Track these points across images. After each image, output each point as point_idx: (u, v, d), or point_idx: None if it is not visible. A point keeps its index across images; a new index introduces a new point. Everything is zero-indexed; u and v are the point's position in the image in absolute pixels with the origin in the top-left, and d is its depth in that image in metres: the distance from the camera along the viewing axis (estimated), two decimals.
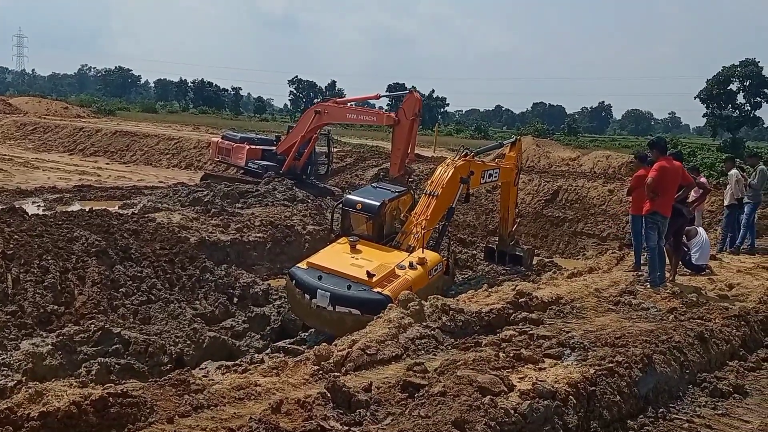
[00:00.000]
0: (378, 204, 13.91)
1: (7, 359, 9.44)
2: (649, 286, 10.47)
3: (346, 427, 4.57)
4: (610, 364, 6.06)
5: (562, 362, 6.27)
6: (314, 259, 13.00)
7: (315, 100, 35.55)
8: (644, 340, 7.09)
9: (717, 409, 6.28)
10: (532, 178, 28.30)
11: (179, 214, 19.15)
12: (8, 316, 10.79)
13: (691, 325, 8.09)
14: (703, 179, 15.27)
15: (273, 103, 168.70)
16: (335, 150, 34.09)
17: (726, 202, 15.41)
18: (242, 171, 29.39)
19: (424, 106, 29.71)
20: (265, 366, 6.62)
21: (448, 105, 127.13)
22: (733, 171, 15.16)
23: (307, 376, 6.07)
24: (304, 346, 11.37)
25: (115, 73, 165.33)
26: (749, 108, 65.76)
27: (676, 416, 6.03)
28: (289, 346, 11.86)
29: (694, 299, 9.67)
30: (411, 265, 12.52)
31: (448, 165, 15.05)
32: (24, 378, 8.76)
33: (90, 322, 11.00)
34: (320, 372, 6.15)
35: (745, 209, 14.73)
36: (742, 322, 8.65)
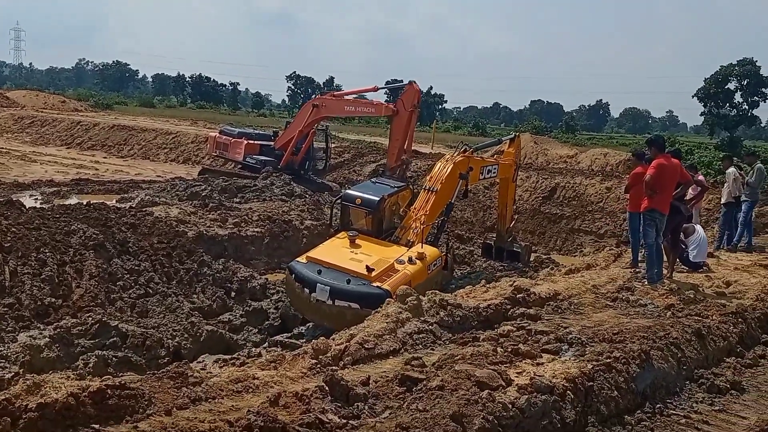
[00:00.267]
0: (377, 199, 13.92)
1: (5, 351, 9.42)
2: (646, 282, 10.49)
3: (344, 420, 4.57)
4: (608, 360, 6.07)
5: (560, 357, 6.28)
6: (314, 253, 13.01)
7: (313, 96, 35.61)
8: (642, 336, 7.10)
9: (714, 406, 6.29)
10: (529, 175, 28.30)
11: (177, 208, 19.13)
12: (5, 309, 10.78)
13: (689, 321, 8.10)
14: (700, 177, 15.29)
15: (271, 98, 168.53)
16: (333, 146, 34.04)
17: (723, 200, 15.44)
18: (240, 166, 29.34)
19: (422, 103, 29.73)
20: (263, 359, 6.63)
21: (446, 102, 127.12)
22: (731, 169, 15.18)
23: (305, 369, 6.07)
24: (301, 340, 11.40)
25: (113, 68, 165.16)
26: (747, 107, 65.86)
27: (674, 412, 6.04)
28: (286, 340, 11.90)
29: (692, 296, 9.68)
30: (410, 260, 12.54)
31: (447, 161, 15.06)
32: (21, 370, 8.74)
33: (87, 315, 10.98)
34: (318, 366, 6.15)
35: (743, 207, 14.75)
36: (740, 319, 8.67)
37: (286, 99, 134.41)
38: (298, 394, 4.94)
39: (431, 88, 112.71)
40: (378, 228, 13.95)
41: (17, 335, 10.04)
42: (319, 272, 12.26)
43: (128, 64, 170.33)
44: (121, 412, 4.53)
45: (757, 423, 5.82)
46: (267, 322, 13.31)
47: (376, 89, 28.03)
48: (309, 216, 20.56)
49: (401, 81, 27.66)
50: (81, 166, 33.27)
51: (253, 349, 11.42)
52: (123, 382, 4.86)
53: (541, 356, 6.32)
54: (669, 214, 10.62)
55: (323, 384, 5.13)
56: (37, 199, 22.13)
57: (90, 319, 10.60)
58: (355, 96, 28.37)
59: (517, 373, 5.74)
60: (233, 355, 10.52)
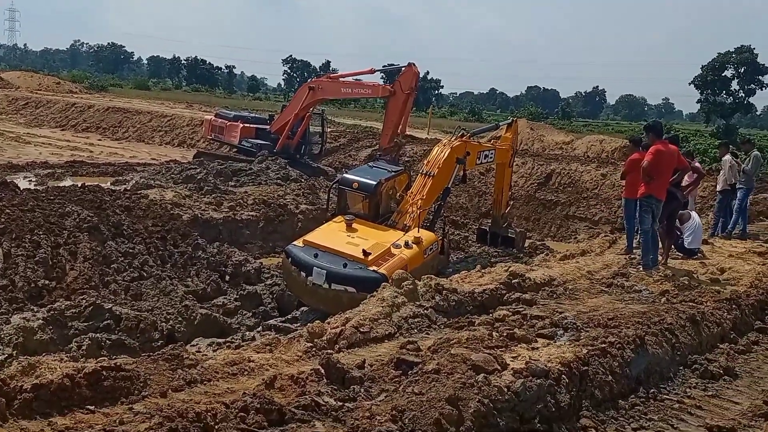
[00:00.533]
0: (374, 183, 13.91)
1: None
2: (641, 268, 10.51)
3: (340, 403, 4.57)
4: (603, 345, 6.08)
5: (555, 342, 6.29)
6: (310, 237, 13.01)
7: (309, 79, 35.45)
8: (637, 321, 7.12)
9: (707, 391, 6.31)
10: (525, 161, 28.26)
11: (172, 191, 19.10)
12: None
13: (683, 307, 8.12)
14: (697, 164, 15.28)
15: (267, 82, 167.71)
16: (329, 130, 33.96)
17: (719, 188, 15.44)
18: (235, 149, 29.25)
19: (418, 88, 29.63)
20: (258, 343, 6.63)
21: (442, 87, 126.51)
22: (727, 156, 15.18)
23: (300, 353, 6.07)
24: (296, 324, 11.42)
25: (108, 50, 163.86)
26: (743, 95, 65.69)
27: (667, 397, 6.06)
28: (280, 324, 11.91)
29: (686, 282, 9.71)
30: (407, 244, 12.56)
31: (444, 145, 15.04)
32: (14, 352, 8.73)
33: (81, 297, 10.95)
34: (313, 349, 6.15)
35: (738, 194, 14.75)
36: (734, 306, 8.69)
37: (282, 82, 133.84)
38: (294, 377, 4.93)
39: (428, 73, 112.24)
40: (375, 212, 13.95)
41: (10, 317, 10.02)
42: (316, 256, 12.26)
43: (123, 46, 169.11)
44: (116, 393, 4.53)
45: (749, 408, 5.84)
46: (261, 307, 13.32)
47: (372, 71, 27.93)
48: (304, 200, 20.54)
49: (398, 65, 27.55)
50: (75, 148, 33.12)
51: (247, 332, 11.43)
52: (118, 363, 4.85)
53: (537, 341, 6.32)
54: (665, 201, 10.62)
55: (319, 367, 5.13)
56: (31, 180, 22.08)
57: (84, 301, 10.57)
58: (351, 78, 28.27)
59: (512, 357, 5.74)
60: (228, 339, 10.56)
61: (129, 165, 27.98)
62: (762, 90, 64.86)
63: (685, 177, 12.28)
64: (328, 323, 7.25)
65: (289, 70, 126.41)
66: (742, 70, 63.77)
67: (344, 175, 15.43)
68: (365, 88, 27.92)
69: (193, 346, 9.45)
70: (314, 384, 4.88)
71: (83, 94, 59.53)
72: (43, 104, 46.51)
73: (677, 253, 12.11)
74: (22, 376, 4.47)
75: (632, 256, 11.56)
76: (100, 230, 13.49)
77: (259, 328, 11.77)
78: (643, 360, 6.31)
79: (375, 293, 8.06)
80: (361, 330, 6.72)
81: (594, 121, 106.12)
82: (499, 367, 5.24)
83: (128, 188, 19.30)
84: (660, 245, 11.14)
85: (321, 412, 4.42)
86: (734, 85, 65.40)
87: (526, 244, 19.47)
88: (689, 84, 66.93)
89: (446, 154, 14.61)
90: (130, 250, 13.35)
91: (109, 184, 20.90)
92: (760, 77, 64.11)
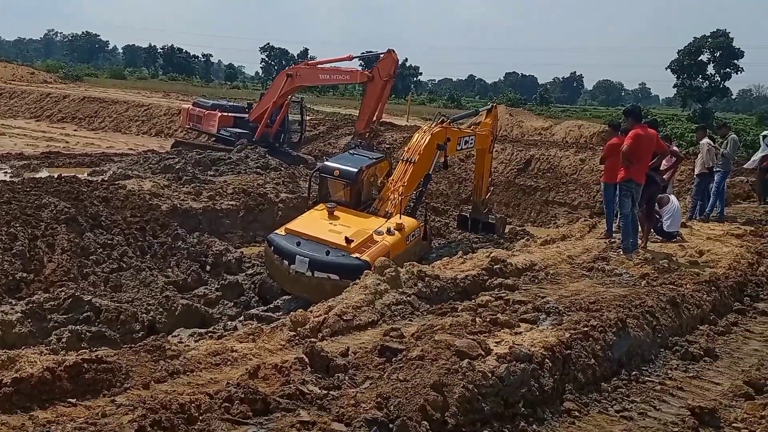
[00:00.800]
0: (356, 170, 13.89)
1: None
2: (621, 252, 10.58)
3: (325, 391, 4.55)
4: (585, 328, 6.12)
5: (538, 327, 6.32)
6: (292, 225, 12.99)
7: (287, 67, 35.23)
8: (618, 304, 7.17)
9: (688, 372, 6.37)
10: (504, 147, 28.34)
11: (150, 181, 18.91)
12: None
13: (663, 290, 8.19)
14: (675, 148, 15.40)
15: (244, 70, 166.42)
16: (308, 118, 33.80)
17: (696, 171, 15.56)
18: (214, 138, 29.03)
19: (397, 75, 29.62)
20: (240, 332, 6.59)
21: (421, 74, 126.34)
22: (705, 140, 15.29)
23: (284, 341, 6.05)
24: (278, 313, 11.40)
25: (83, 39, 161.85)
26: (719, 79, 66.28)
27: (649, 379, 6.12)
28: (262, 313, 11.89)
29: (666, 265, 9.80)
30: (389, 231, 12.58)
31: (425, 132, 15.03)
32: None
33: (60, 289, 10.84)
34: (297, 338, 6.13)
35: (715, 178, 14.89)
36: (713, 288, 8.77)
37: (260, 71, 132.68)
38: (278, 366, 4.91)
39: (406, 59, 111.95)
40: (356, 199, 13.94)
41: None
42: (298, 244, 12.25)
43: (98, 35, 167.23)
44: (98, 386, 4.48)
45: (730, 389, 5.91)
46: (243, 296, 13.26)
47: (350, 58, 27.89)
48: (284, 189, 20.43)
49: (376, 52, 27.54)
50: (51, 139, 32.66)
51: (229, 322, 11.40)
52: (100, 356, 4.80)
53: (520, 325, 6.35)
54: (644, 185, 10.68)
55: (303, 356, 5.10)
56: (6, 172, 21.74)
57: (63, 293, 10.47)
58: (329, 65, 28.17)
59: (496, 342, 5.76)
60: (209, 329, 10.52)
61: (106, 155, 27.64)
62: (737, 74, 65.55)
63: (664, 161, 12.37)
64: (311, 312, 7.22)
65: (267, 58, 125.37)
66: (718, 54, 64.32)
67: (325, 163, 15.40)
68: (343, 74, 27.84)
69: (175, 336, 9.40)
70: (298, 373, 4.86)
71: (58, 84, 58.73)
72: (17, 95, 45.80)
73: (656, 236, 12.21)
74: (1, 370, 4.41)
75: (612, 240, 11.63)
76: (77, 222, 13.33)
77: (241, 318, 11.74)
78: (624, 343, 6.36)
79: (358, 281, 8.06)
80: (345, 318, 6.71)
81: (572, 107, 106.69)
82: (483, 353, 5.25)
83: (106, 179, 19.06)
84: (639, 229, 11.23)
85: (306, 400, 4.41)
86: (710, 70, 66.03)
87: (507, 230, 19.56)
88: (666, 69, 67.45)
89: (427, 141, 14.61)
90: (109, 242, 13.22)
91: (86, 174, 20.65)
92: (735, 61, 64.73)
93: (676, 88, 70.40)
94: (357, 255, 11.81)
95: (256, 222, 18.20)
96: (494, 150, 20.11)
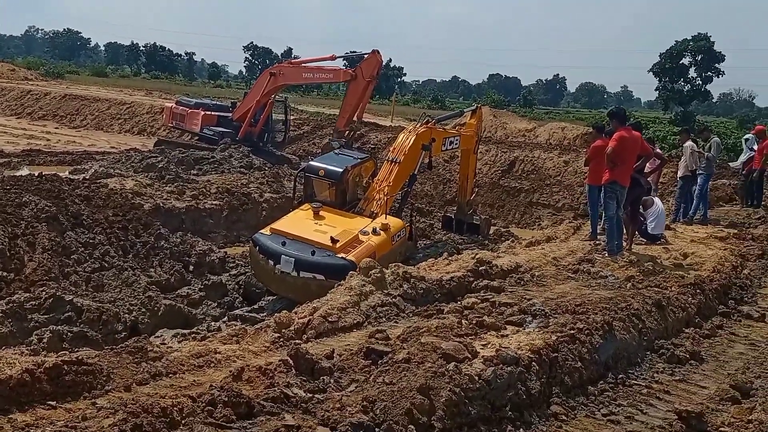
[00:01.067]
0: (341, 170, 13.84)
1: None
2: (606, 254, 10.58)
3: (310, 395, 4.49)
4: (572, 331, 6.10)
5: (525, 329, 6.29)
6: (277, 225, 12.94)
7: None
8: (604, 307, 7.15)
9: (674, 375, 6.38)
10: (489, 149, 28.37)
11: (132, 180, 18.74)
12: None
13: (649, 293, 8.20)
14: (658, 150, 15.46)
15: (228, 69, 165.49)
16: (292, 118, 33.67)
17: (680, 174, 15.63)
18: (197, 137, 28.85)
19: (381, 76, 29.58)
20: (224, 334, 6.51)
21: (405, 75, 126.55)
22: (689, 143, 15.36)
23: (268, 343, 5.98)
24: (262, 314, 11.31)
25: (64, 36, 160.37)
26: (700, 82, 66.79)
27: (635, 382, 6.11)
28: (246, 314, 11.79)
29: (651, 268, 9.81)
30: (374, 231, 12.54)
31: (410, 132, 15.00)
32: None
33: (41, 289, 10.67)
34: (281, 340, 6.07)
35: (698, 180, 14.97)
36: (698, 291, 8.80)
37: (244, 70, 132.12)
38: (262, 369, 4.84)
39: (390, 60, 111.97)
40: (342, 199, 13.89)
41: None
42: (284, 244, 12.20)
43: (80, 32, 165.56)
44: (78, 388, 4.39)
45: (716, 392, 5.92)
46: (226, 297, 13.16)
47: (333, 58, 27.86)
48: (268, 188, 20.34)
49: (360, 52, 27.52)
50: (32, 137, 32.35)
51: (213, 323, 11.29)
52: (80, 357, 4.71)
53: (506, 328, 6.32)
54: (629, 187, 10.70)
55: (287, 358, 5.04)
56: None
57: (44, 293, 10.31)
58: (313, 64, 28.10)
59: (482, 345, 5.73)
60: (193, 330, 10.40)
61: (88, 153, 27.41)
62: (718, 77, 66.13)
63: (648, 163, 12.41)
64: (296, 313, 7.17)
65: (250, 57, 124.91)
66: (699, 57, 64.80)
67: (310, 162, 15.33)
68: (326, 73, 27.79)
69: (158, 337, 9.27)
70: (283, 375, 4.79)
71: (39, 81, 58.05)
72: None
73: (641, 238, 12.25)
74: None
75: (597, 242, 11.65)
76: (59, 220, 13.15)
77: (225, 319, 11.63)
78: (611, 346, 6.35)
79: (343, 281, 8.00)
80: (329, 319, 6.65)
81: (555, 109, 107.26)
82: (469, 356, 5.22)
83: (87, 177, 18.84)
84: (624, 231, 11.25)
85: (290, 404, 4.34)
86: (692, 73, 66.50)
87: (491, 231, 19.56)
88: (648, 72, 67.90)
89: (412, 141, 14.58)
90: (91, 241, 13.05)
91: (67, 173, 20.42)
92: (716, 65, 65.27)
93: (657, 91, 70.86)
94: (343, 255, 11.77)
95: (239, 222, 18.10)
96: (479, 151, 20.12)
